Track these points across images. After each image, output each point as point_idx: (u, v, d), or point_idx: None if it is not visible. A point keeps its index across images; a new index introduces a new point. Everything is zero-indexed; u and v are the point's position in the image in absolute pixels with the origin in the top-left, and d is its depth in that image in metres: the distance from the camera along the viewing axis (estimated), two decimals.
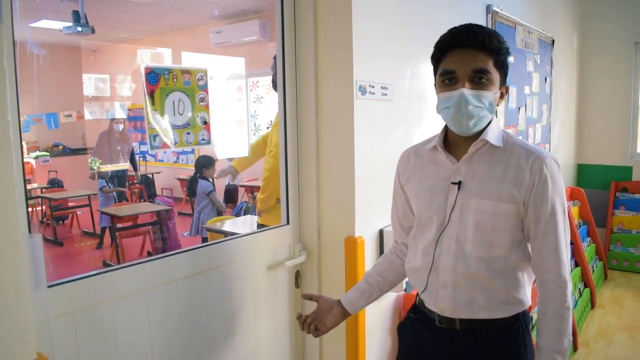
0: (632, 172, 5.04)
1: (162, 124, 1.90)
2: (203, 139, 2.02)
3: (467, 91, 1.23)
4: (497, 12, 3.00)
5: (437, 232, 1.33)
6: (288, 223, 2.00)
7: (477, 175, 1.30)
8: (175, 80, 1.91)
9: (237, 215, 5.09)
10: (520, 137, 1.39)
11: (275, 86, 2.06)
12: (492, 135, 1.29)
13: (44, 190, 7.05)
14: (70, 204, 6.61)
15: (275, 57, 1.99)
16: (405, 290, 2.08)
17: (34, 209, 6.67)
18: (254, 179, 6.45)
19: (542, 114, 4.04)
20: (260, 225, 2.57)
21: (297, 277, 2.05)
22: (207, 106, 2.01)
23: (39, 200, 6.67)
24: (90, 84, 7.72)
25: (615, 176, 5.10)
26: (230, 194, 6.51)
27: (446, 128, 1.36)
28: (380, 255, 1.94)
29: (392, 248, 1.58)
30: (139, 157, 7.69)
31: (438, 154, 1.36)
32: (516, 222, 1.28)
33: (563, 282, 1.27)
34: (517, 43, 3.37)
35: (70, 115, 7.71)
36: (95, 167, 6.31)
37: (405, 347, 1.51)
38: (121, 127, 6.49)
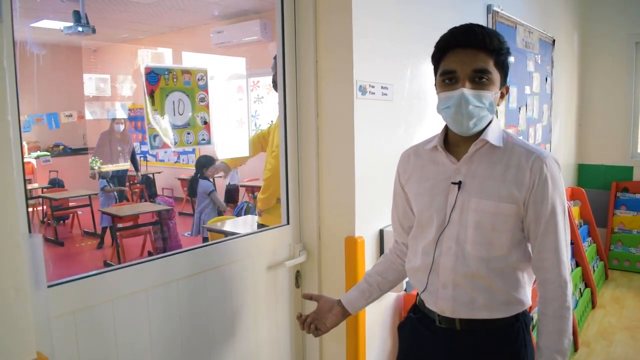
0: (632, 172, 5.03)
1: (162, 124, 1.90)
2: (203, 139, 2.02)
3: (467, 91, 1.23)
4: (498, 12, 2.99)
5: (437, 232, 1.33)
6: (288, 223, 2.00)
7: (477, 175, 1.30)
8: (175, 80, 1.91)
9: (238, 215, 5.08)
10: (520, 137, 1.39)
11: (275, 86, 2.06)
12: (493, 135, 1.29)
13: (44, 190, 7.06)
14: (71, 204, 6.62)
15: (275, 57, 1.99)
16: (405, 290, 2.08)
17: (35, 209, 6.67)
18: (255, 179, 6.45)
19: (543, 114, 4.03)
20: (260, 225, 2.57)
21: (298, 277, 2.05)
22: (207, 106, 2.01)
23: (40, 200, 6.68)
24: (91, 84, 7.73)
25: (616, 176, 5.09)
26: (231, 193, 6.51)
27: (446, 128, 1.36)
28: (380, 255, 1.94)
29: (392, 248, 1.58)
30: (140, 157, 7.69)
31: (438, 154, 1.36)
32: (516, 222, 1.28)
33: (563, 282, 1.27)
34: (518, 43, 3.36)
35: (71, 115, 7.71)
36: (96, 167, 6.31)
37: (406, 347, 1.51)
38: (122, 127, 6.50)
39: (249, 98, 7.19)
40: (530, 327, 1.41)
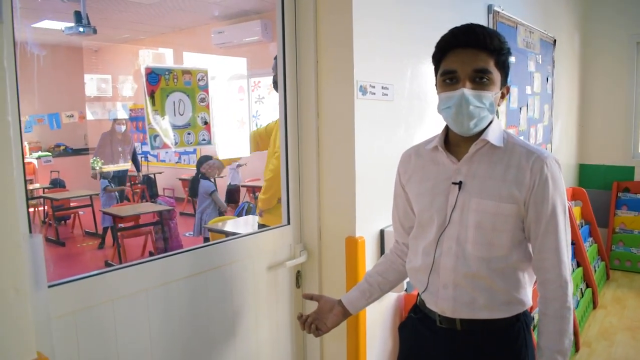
0: (634, 172, 5.03)
1: (163, 125, 1.90)
2: (203, 139, 2.02)
3: (467, 91, 1.23)
4: (499, 12, 2.99)
5: (437, 232, 1.33)
6: (289, 223, 2.00)
7: (477, 176, 1.29)
8: (175, 80, 1.91)
9: (239, 215, 5.09)
10: (521, 138, 1.39)
11: (276, 86, 2.06)
12: (493, 136, 1.29)
13: (46, 190, 7.07)
14: (72, 204, 6.63)
15: (276, 58, 1.99)
16: (406, 290, 2.08)
17: (36, 209, 6.68)
18: (256, 179, 6.45)
19: (544, 114, 4.03)
20: (261, 226, 2.57)
21: (298, 277, 2.05)
22: (207, 106, 2.01)
23: (41, 200, 6.68)
24: (92, 84, 7.73)
25: (617, 176, 5.09)
26: (232, 194, 6.51)
27: (447, 128, 1.36)
28: (381, 256, 1.94)
29: (393, 248, 1.58)
30: (141, 157, 7.70)
31: (439, 154, 1.36)
32: (517, 222, 1.28)
33: (564, 282, 1.27)
34: (519, 43, 3.36)
35: (72, 116, 7.72)
36: (97, 168, 6.32)
37: (406, 347, 1.51)
38: (123, 128, 6.50)
39: (250, 98, 7.20)
40: (531, 327, 1.40)
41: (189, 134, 1.97)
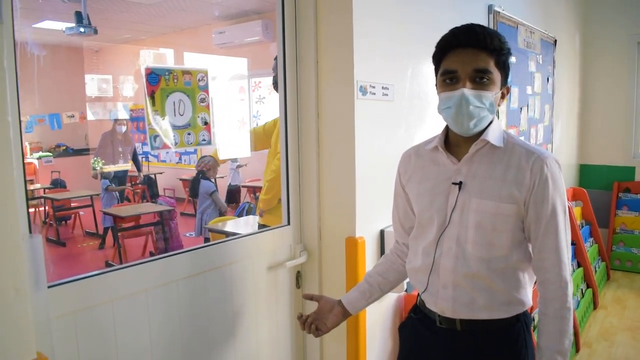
0: (634, 173, 5.02)
1: (163, 125, 1.90)
2: (204, 140, 2.02)
3: (468, 91, 1.23)
4: (499, 12, 2.99)
5: (437, 232, 1.33)
6: (289, 223, 2.00)
7: (477, 176, 1.29)
8: (175, 80, 1.91)
9: (240, 215, 5.09)
10: (522, 138, 1.39)
11: (276, 87, 2.06)
12: (493, 136, 1.29)
13: (46, 190, 7.07)
14: (73, 205, 6.63)
15: (276, 58, 2.00)
16: (406, 290, 2.08)
17: (37, 210, 6.68)
18: (257, 180, 6.46)
19: (544, 114, 4.03)
20: (261, 226, 2.57)
21: (298, 278, 2.05)
22: (207, 107, 2.02)
23: (42, 200, 6.69)
24: (93, 84, 7.74)
25: (618, 176, 5.09)
26: (233, 194, 6.51)
27: (447, 128, 1.36)
28: (381, 256, 1.93)
29: (393, 248, 1.58)
30: (142, 157, 7.71)
31: (439, 154, 1.36)
32: (517, 223, 1.28)
33: (564, 282, 1.27)
34: (519, 43, 3.36)
35: (73, 116, 7.73)
36: (98, 168, 6.33)
37: (406, 347, 1.51)
38: (124, 128, 6.50)
39: (250, 98, 7.20)
40: (531, 327, 1.40)
41: (189, 134, 1.97)
